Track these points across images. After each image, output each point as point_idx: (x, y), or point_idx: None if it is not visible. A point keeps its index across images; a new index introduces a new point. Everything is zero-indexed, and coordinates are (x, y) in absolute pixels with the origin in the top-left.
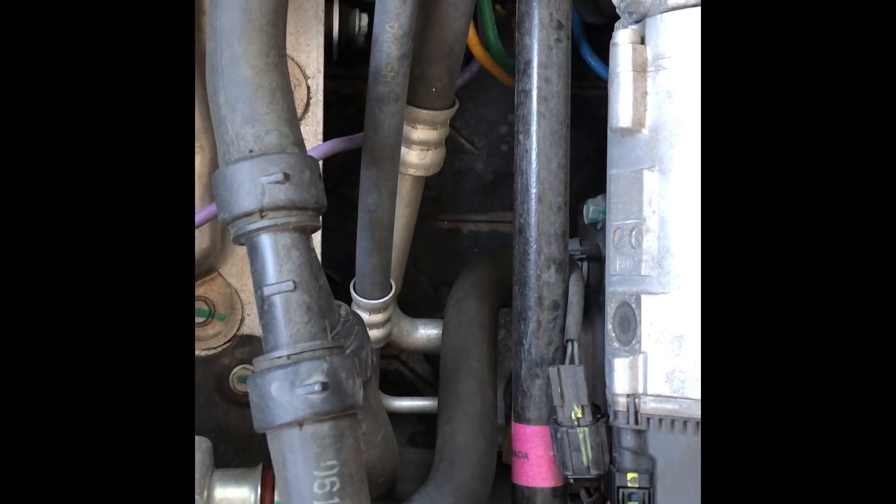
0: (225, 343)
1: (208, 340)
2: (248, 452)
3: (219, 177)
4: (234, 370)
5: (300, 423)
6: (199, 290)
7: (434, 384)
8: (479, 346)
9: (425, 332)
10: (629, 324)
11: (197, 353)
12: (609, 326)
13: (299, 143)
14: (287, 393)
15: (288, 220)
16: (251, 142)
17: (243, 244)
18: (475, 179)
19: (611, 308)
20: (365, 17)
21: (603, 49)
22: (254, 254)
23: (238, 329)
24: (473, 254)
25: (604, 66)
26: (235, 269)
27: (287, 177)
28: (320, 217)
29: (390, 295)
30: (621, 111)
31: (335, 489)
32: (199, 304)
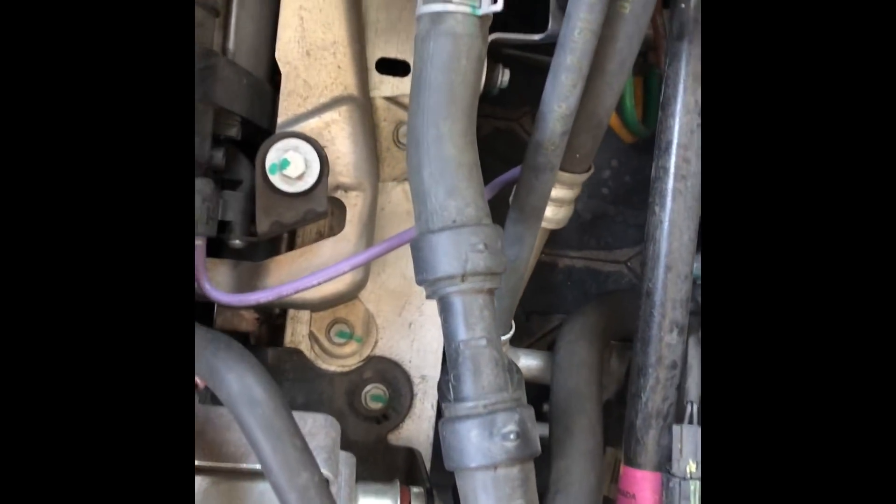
0: (360, 362)
1: (345, 359)
2: (370, 463)
3: (423, 241)
4: (367, 388)
5: (495, 467)
6: (342, 313)
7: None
8: (590, 388)
9: (527, 363)
10: None
11: (333, 369)
12: None
13: (489, 214)
14: (486, 440)
15: (483, 284)
16: (454, 213)
17: (434, 298)
18: (574, 218)
19: None
20: (507, 72)
21: None
22: (449, 311)
23: (372, 350)
24: (567, 287)
25: None
26: (374, 296)
27: (486, 246)
28: None
29: (510, 334)
30: None
31: None
32: (340, 327)
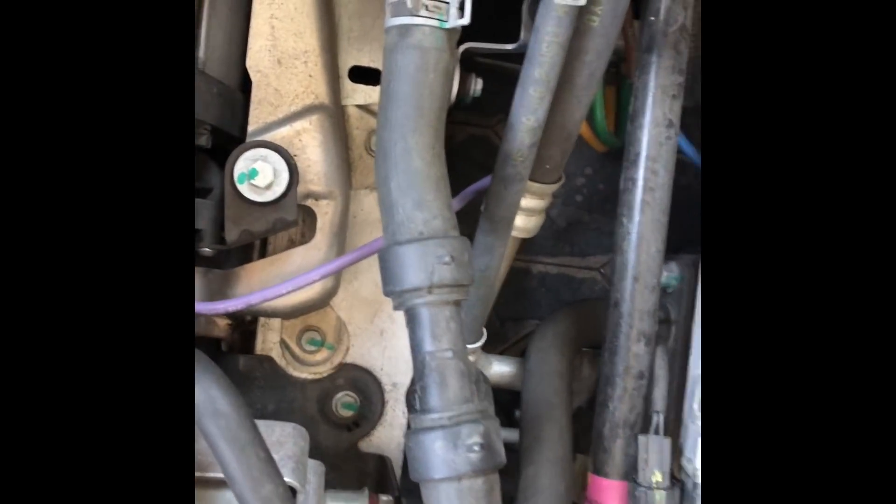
0: (331, 370)
1: (316, 367)
2: (340, 470)
3: (390, 253)
4: (338, 395)
5: (459, 478)
6: (313, 321)
7: (504, 415)
8: (560, 397)
9: (499, 369)
10: None
11: (305, 376)
12: (694, 406)
13: (456, 226)
14: (450, 451)
15: (450, 296)
16: (421, 225)
17: (402, 310)
18: (548, 225)
19: (697, 389)
20: (480, 81)
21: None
22: (416, 323)
23: (344, 357)
24: (540, 293)
25: (694, 150)
26: (346, 303)
27: (453, 258)
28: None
29: (482, 342)
30: None
31: None
32: (311, 334)
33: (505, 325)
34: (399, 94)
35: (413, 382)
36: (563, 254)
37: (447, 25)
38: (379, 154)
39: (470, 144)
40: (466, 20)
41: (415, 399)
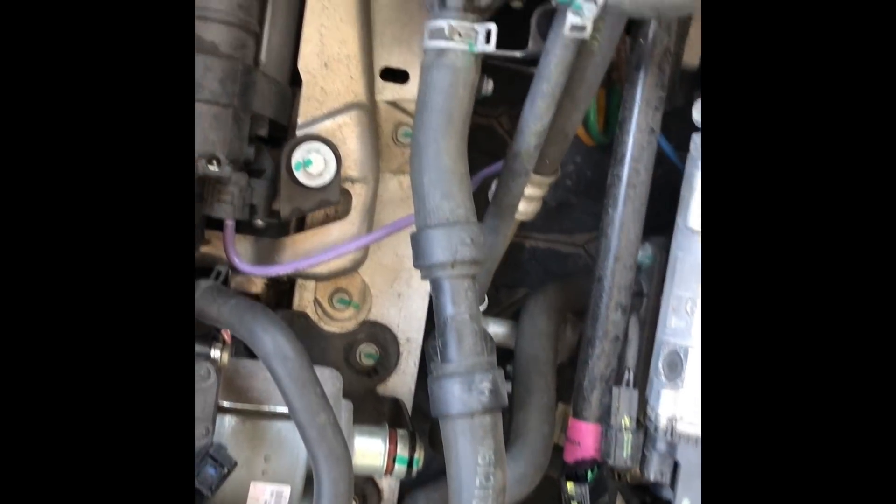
0: (356, 325)
1: (344, 322)
2: (362, 410)
3: (421, 234)
4: (361, 347)
5: (472, 415)
6: (343, 283)
7: None
8: (547, 354)
9: (495, 330)
10: (677, 367)
11: (334, 330)
12: (660, 364)
13: (475, 214)
14: (465, 393)
15: (469, 270)
16: (447, 212)
17: (427, 279)
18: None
19: (663, 351)
20: (491, 82)
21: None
22: (440, 291)
23: (367, 315)
24: (531, 265)
25: (671, 148)
26: (370, 269)
27: (472, 241)
28: None
29: (484, 306)
30: (692, 215)
31: (490, 462)
32: (341, 295)
33: (500, 292)
34: (433, 104)
35: (432, 338)
36: (553, 231)
37: (475, 50)
38: (414, 152)
39: (476, 133)
40: (492, 48)
41: (436, 352)
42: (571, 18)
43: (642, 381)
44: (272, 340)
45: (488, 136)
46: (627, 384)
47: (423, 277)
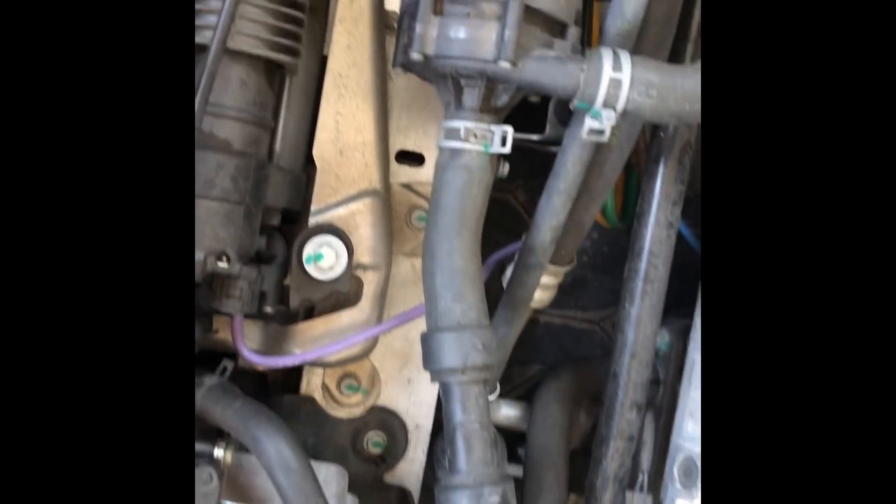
0: (364, 411)
1: (352, 408)
2: (368, 499)
3: (432, 337)
4: (368, 434)
5: None
6: (351, 368)
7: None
8: (559, 447)
9: (507, 413)
10: (691, 474)
11: (341, 415)
12: (675, 470)
13: (487, 315)
14: None
15: (480, 376)
16: (459, 315)
17: (437, 383)
18: None
19: (678, 456)
20: (507, 165)
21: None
22: (450, 396)
23: (375, 401)
24: (545, 341)
25: (690, 233)
26: (380, 354)
27: (484, 346)
28: None
29: (496, 394)
30: None
31: None
32: (349, 380)
33: (512, 368)
34: (447, 205)
35: (441, 439)
36: (567, 307)
37: (490, 150)
38: (426, 252)
39: (492, 207)
40: (507, 150)
41: (444, 458)
42: (590, 123)
43: (656, 480)
44: (276, 450)
45: (504, 211)
46: (641, 488)
47: (433, 381)
